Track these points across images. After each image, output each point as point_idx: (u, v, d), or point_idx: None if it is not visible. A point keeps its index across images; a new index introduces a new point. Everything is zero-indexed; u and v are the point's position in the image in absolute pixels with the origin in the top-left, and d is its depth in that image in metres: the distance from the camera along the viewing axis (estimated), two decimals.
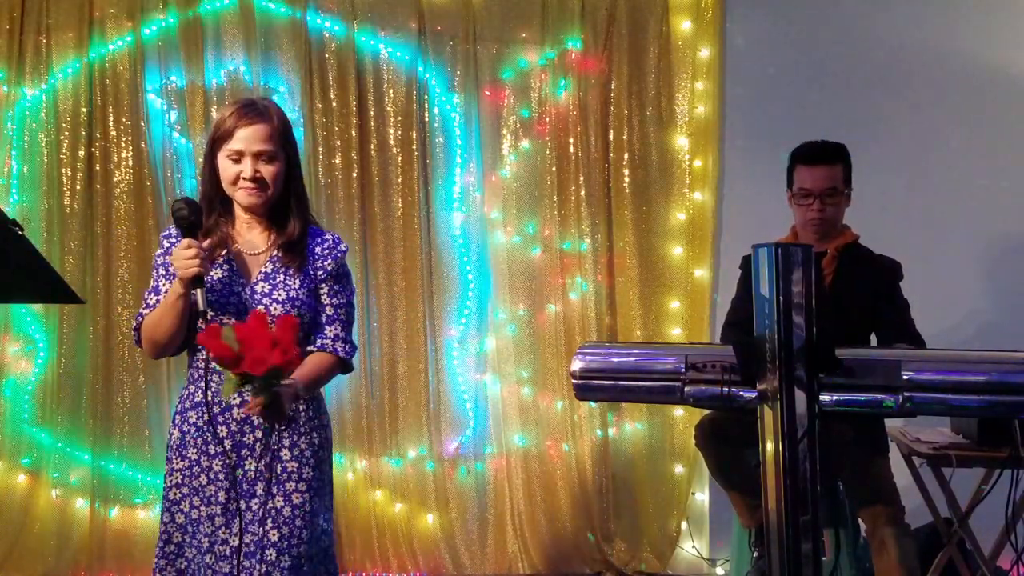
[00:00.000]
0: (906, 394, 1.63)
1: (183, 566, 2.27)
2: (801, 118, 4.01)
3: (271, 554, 2.17)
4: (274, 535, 2.18)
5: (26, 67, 4.10)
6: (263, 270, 2.29)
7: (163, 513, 2.30)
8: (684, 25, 4.32)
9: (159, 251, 2.33)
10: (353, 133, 4.19)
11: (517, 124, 4.31)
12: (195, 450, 2.25)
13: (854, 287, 3.08)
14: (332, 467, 2.40)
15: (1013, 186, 4.19)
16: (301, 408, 2.28)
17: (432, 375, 4.23)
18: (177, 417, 2.31)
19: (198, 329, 2.12)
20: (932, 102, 4.23)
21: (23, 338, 4.12)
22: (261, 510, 2.20)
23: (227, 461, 2.21)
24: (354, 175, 4.18)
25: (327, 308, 2.33)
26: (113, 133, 4.13)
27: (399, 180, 4.23)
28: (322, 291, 2.33)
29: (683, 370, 1.75)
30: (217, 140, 2.26)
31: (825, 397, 1.66)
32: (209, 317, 2.13)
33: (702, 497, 4.32)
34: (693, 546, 4.30)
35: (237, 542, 2.18)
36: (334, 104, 4.19)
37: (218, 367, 2.11)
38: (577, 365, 1.84)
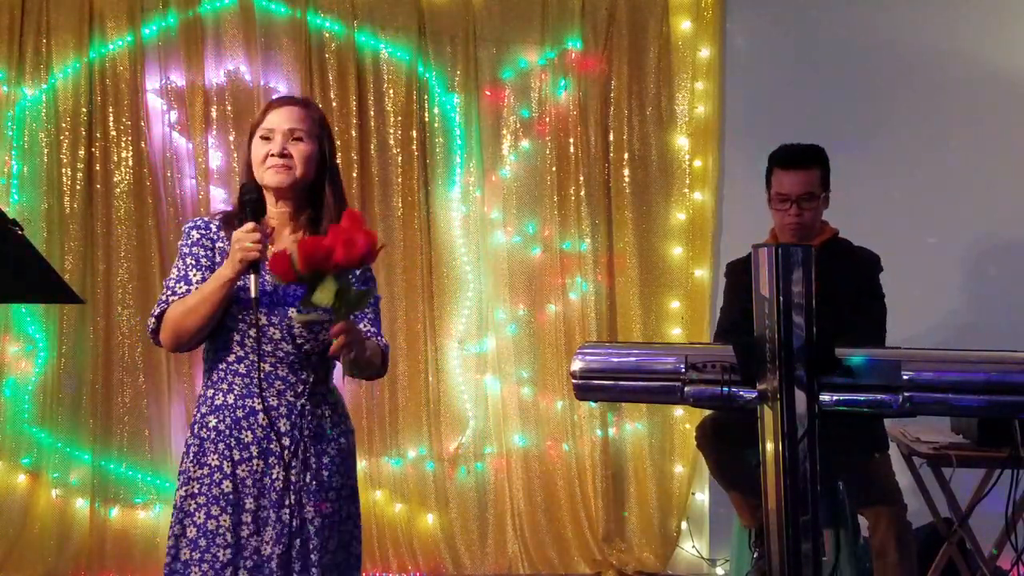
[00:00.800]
0: (906, 394, 1.63)
1: None
2: (801, 118, 4.00)
3: (301, 565, 2.11)
4: (306, 545, 2.12)
5: (26, 67, 4.09)
6: None
7: (173, 526, 2.15)
8: (684, 25, 4.32)
9: (186, 241, 2.20)
10: (353, 133, 4.19)
11: (517, 124, 4.31)
12: (217, 456, 2.12)
13: (837, 284, 3.08)
14: (357, 473, 2.34)
15: (1014, 186, 4.19)
16: (327, 413, 2.20)
17: (432, 375, 4.22)
18: (195, 426, 2.17)
19: (230, 321, 2.08)
20: (932, 102, 4.22)
21: (23, 338, 4.11)
22: (293, 520, 2.11)
23: (273, 463, 2.11)
24: (354, 175, 4.17)
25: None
26: (113, 133, 4.12)
27: (399, 180, 4.23)
28: None
29: (683, 370, 1.76)
30: (253, 129, 2.20)
31: (825, 397, 1.66)
32: (240, 316, 2.09)
33: (702, 497, 4.32)
34: (693, 546, 4.30)
35: (270, 551, 2.09)
36: (334, 104, 4.19)
37: (298, 279, 1.93)
38: (577, 365, 1.84)
